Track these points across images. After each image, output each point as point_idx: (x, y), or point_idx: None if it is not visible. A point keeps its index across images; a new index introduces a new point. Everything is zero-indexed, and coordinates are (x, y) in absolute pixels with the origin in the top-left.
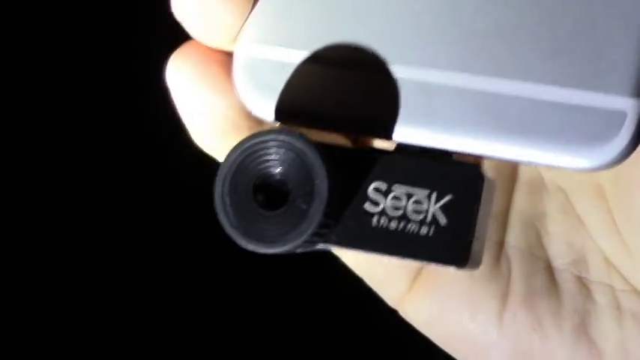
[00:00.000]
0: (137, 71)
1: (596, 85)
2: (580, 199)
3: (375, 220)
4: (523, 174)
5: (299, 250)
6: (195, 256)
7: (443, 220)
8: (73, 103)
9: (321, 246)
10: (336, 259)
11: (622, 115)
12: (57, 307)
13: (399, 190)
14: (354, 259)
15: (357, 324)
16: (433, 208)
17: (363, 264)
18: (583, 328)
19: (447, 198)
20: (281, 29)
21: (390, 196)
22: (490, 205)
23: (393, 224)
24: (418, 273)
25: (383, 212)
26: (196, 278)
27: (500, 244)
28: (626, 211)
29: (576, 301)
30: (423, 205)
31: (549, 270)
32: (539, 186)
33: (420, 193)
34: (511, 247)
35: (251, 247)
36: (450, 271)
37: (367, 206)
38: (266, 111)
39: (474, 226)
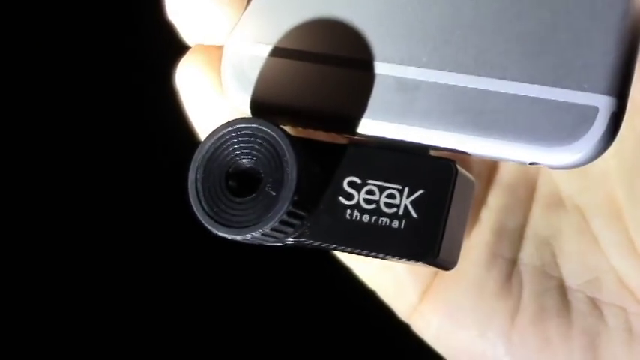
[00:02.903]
0: (133, 71)
1: (569, 82)
2: (596, 219)
3: (348, 213)
4: (541, 190)
5: (272, 243)
6: (196, 255)
7: (414, 214)
8: (73, 102)
9: (295, 241)
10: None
11: (594, 111)
12: (56, 307)
13: (373, 184)
14: (364, 271)
15: (365, 334)
16: (405, 202)
17: (374, 276)
18: (592, 349)
19: (419, 192)
20: (266, 28)
21: (364, 189)
22: (468, 204)
23: (366, 218)
24: (428, 286)
25: (357, 206)
26: (196, 277)
27: (513, 262)
28: None
29: (587, 322)
30: (396, 200)
31: (562, 289)
32: (556, 204)
33: (394, 187)
34: (524, 265)
35: (220, 232)
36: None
37: (341, 199)
38: (247, 105)
39: (445, 220)
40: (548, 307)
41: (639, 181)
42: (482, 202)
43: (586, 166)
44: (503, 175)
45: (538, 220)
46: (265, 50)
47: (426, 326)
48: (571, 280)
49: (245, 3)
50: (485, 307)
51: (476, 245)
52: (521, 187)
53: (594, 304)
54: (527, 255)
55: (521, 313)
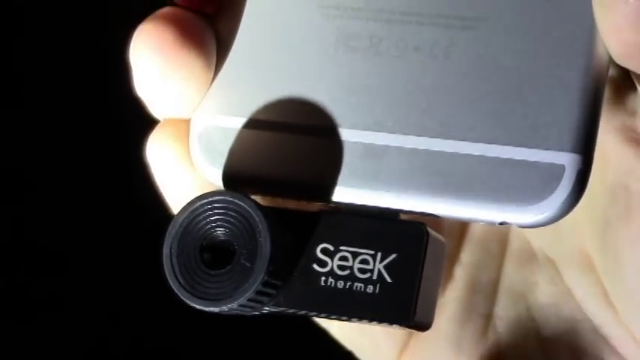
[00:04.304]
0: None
1: (535, 142)
2: (569, 270)
3: (322, 280)
4: (512, 244)
5: (249, 313)
6: None
7: (388, 278)
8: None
9: (270, 309)
10: None
11: (561, 169)
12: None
13: (346, 250)
14: (341, 333)
15: None
16: (379, 266)
17: (350, 338)
18: None
19: (392, 256)
20: (232, 100)
21: (337, 256)
22: (440, 265)
23: (340, 284)
24: (405, 345)
25: (331, 272)
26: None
27: (489, 317)
28: (616, 281)
29: None
30: (370, 265)
31: (539, 341)
32: (528, 257)
33: (366, 253)
34: (499, 319)
35: (197, 305)
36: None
37: (315, 267)
38: (217, 178)
39: (419, 283)
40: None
41: (610, 232)
42: (454, 258)
43: None
44: (475, 232)
45: (511, 274)
46: (232, 122)
47: None
48: (547, 332)
49: (211, 78)
50: None
51: (450, 302)
52: (493, 242)
53: (573, 354)
54: (502, 309)
55: None
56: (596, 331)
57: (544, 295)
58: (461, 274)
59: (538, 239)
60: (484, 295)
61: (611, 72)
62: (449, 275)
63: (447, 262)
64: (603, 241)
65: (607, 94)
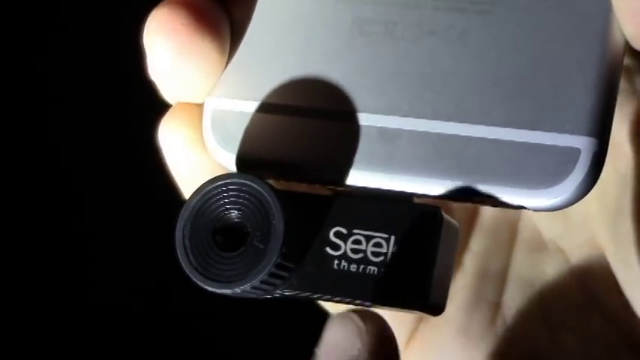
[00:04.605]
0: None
1: (550, 125)
2: (580, 260)
3: (335, 263)
4: (522, 234)
5: (262, 296)
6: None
7: (402, 262)
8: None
9: (283, 293)
10: None
11: (577, 153)
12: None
13: (359, 233)
14: None
15: None
16: (392, 249)
17: None
18: None
19: (406, 240)
20: (246, 83)
21: (351, 239)
22: (453, 249)
23: (354, 267)
24: (413, 332)
25: (344, 255)
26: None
27: (497, 305)
28: (628, 270)
29: None
30: (383, 248)
31: (548, 330)
32: (538, 246)
33: (380, 236)
34: (508, 308)
35: (210, 287)
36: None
37: (328, 250)
38: (231, 161)
39: (433, 266)
40: (535, 349)
41: (623, 222)
42: (464, 246)
43: (567, 210)
44: (484, 220)
45: (521, 263)
46: (245, 105)
47: None
48: (556, 322)
49: (225, 62)
50: (471, 350)
51: (459, 289)
52: (502, 231)
53: (582, 343)
54: (511, 297)
55: (507, 358)
56: (606, 319)
57: (553, 284)
58: (470, 262)
59: (549, 229)
60: (493, 283)
61: (625, 61)
62: (458, 263)
63: (456, 251)
64: (616, 231)
65: (621, 83)
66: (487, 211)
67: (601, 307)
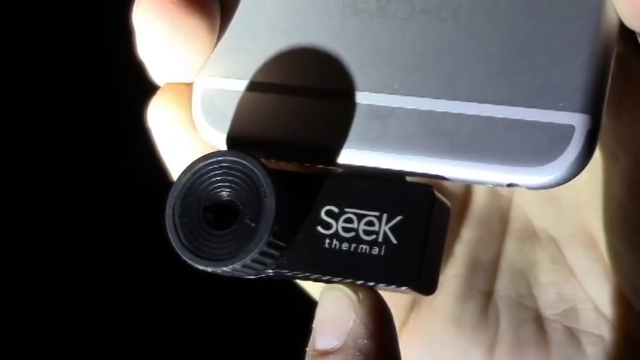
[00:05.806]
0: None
1: (544, 102)
2: (571, 249)
3: (327, 242)
4: (513, 223)
5: (252, 275)
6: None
7: (394, 240)
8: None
9: (274, 272)
10: None
11: (571, 130)
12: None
13: (351, 212)
14: None
15: None
16: (384, 228)
17: None
18: None
19: (398, 218)
20: (235, 62)
21: (342, 218)
22: (445, 230)
23: (345, 246)
24: (405, 320)
25: (335, 234)
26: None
27: (489, 294)
28: (618, 256)
29: (565, 352)
30: (375, 226)
31: (539, 320)
32: (530, 235)
33: (372, 215)
34: (500, 297)
35: (200, 265)
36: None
37: (319, 229)
38: (221, 141)
39: (425, 245)
40: (526, 338)
41: (614, 209)
42: (455, 236)
43: (558, 198)
44: (476, 210)
45: (512, 253)
46: (235, 84)
47: (405, 358)
48: (548, 311)
49: (214, 41)
50: (462, 339)
51: (451, 278)
52: (493, 220)
53: (572, 333)
54: (503, 287)
55: (499, 345)
56: (597, 310)
57: (545, 273)
58: (461, 251)
59: (539, 219)
60: (484, 272)
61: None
62: (449, 252)
63: (448, 239)
64: (608, 218)
65: (613, 68)
66: (478, 200)
67: (592, 299)
